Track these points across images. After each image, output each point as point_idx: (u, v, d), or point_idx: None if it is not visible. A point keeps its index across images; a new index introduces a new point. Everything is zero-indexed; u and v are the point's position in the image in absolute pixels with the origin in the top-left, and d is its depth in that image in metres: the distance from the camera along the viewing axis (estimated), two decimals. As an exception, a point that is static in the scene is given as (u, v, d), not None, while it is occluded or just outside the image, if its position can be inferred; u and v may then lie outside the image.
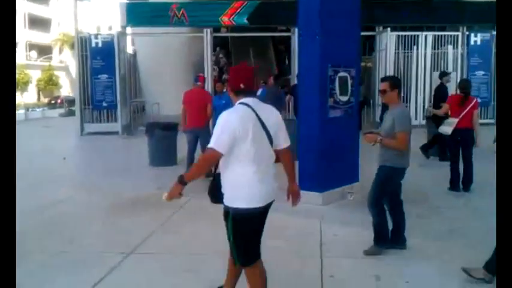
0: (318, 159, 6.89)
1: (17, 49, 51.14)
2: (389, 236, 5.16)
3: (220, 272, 4.55)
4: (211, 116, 9.01)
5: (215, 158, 3.31)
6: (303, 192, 6.76)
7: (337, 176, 7.11)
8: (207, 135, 8.93)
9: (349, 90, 7.19)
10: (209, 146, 3.29)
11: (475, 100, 7.67)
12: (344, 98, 7.11)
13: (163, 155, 10.26)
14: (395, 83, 5.04)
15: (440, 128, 8.08)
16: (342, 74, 7.00)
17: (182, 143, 10.53)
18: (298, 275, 4.57)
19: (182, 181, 3.37)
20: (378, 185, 5.09)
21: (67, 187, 8.61)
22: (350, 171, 7.40)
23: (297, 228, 5.87)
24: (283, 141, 3.55)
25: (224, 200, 3.45)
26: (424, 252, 5.08)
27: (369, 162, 8.11)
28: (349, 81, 7.18)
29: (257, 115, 3.35)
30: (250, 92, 3.48)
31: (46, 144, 14.58)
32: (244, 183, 3.35)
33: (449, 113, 7.93)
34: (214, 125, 9.80)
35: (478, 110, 7.79)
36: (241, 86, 3.46)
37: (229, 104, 10.13)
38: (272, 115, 3.49)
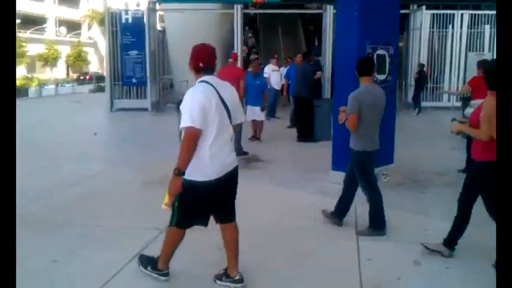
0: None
1: (47, 25, 51.69)
2: (384, 217, 5.03)
3: (249, 253, 4.51)
4: (244, 92, 8.98)
5: (196, 134, 3.41)
6: (337, 173, 6.76)
7: (372, 156, 6.94)
8: None
9: (387, 69, 6.98)
10: (185, 125, 3.39)
11: None
12: (381, 77, 6.90)
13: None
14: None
15: (466, 111, 7.80)
16: (380, 51, 6.80)
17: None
18: (335, 257, 4.48)
19: (179, 172, 3.44)
20: (358, 171, 5.07)
21: (98, 162, 8.66)
22: (385, 153, 7.19)
23: (331, 209, 5.75)
24: (240, 117, 3.84)
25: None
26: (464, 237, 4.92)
27: (404, 144, 7.99)
28: (387, 60, 6.97)
29: (217, 92, 3.54)
30: (209, 70, 3.67)
31: (77, 120, 14.74)
32: (200, 156, 3.49)
33: (471, 95, 7.62)
34: (246, 102, 9.86)
35: None
36: (201, 64, 3.64)
37: (264, 84, 10.14)
38: (230, 92, 3.72)
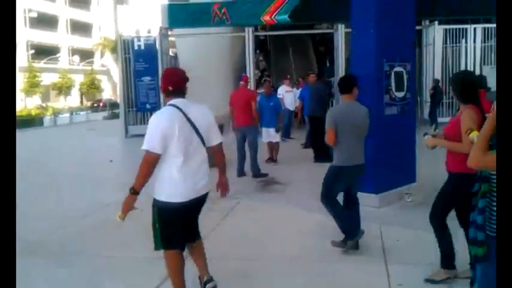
0: (373, 159, 6.56)
1: (60, 54, 52.53)
2: (358, 229, 5.07)
3: (274, 278, 4.37)
4: (257, 114, 8.95)
5: (153, 158, 3.53)
6: (359, 194, 6.59)
7: (394, 176, 6.79)
8: (254, 132, 8.87)
9: (405, 86, 6.86)
10: (143, 148, 3.53)
11: None
12: (400, 94, 6.79)
13: (208, 156, 10.10)
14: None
15: None
16: (397, 69, 6.70)
17: (227, 143, 10.41)
18: (364, 282, 4.30)
19: (134, 191, 3.59)
20: (324, 182, 5.17)
21: (114, 190, 8.51)
22: (407, 171, 7.06)
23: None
24: (216, 138, 3.86)
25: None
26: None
27: (426, 162, 7.79)
28: (405, 77, 6.85)
29: (185, 115, 3.59)
30: (179, 94, 3.71)
31: (92, 147, 14.75)
32: (167, 179, 3.61)
33: None
34: (261, 124, 9.82)
35: None
36: (170, 88, 3.70)
37: (278, 105, 10.11)
38: (203, 114, 3.75)
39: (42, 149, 14.61)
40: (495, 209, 2.63)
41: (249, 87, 11.36)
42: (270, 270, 4.64)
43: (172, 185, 3.62)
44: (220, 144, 3.92)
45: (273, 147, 10.32)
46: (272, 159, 10.32)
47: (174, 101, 3.68)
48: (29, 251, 5.18)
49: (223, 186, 4.05)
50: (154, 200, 3.73)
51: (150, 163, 3.54)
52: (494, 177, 2.61)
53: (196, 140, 3.65)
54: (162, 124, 3.54)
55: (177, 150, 3.55)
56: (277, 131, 9.94)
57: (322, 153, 10.44)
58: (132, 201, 3.61)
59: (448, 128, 4.22)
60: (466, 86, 4.02)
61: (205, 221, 6.20)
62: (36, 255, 5.11)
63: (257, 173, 8.86)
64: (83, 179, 9.41)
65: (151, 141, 3.51)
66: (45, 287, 4.50)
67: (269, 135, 9.99)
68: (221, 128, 10.38)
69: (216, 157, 3.98)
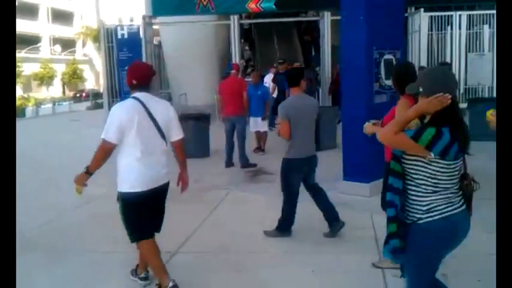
0: (364, 148, 6.54)
1: (41, 44, 51.73)
2: (292, 223, 5.23)
3: (267, 270, 4.33)
4: (247, 104, 8.85)
5: (108, 148, 3.69)
6: (348, 183, 6.57)
7: (383, 165, 6.75)
8: (243, 122, 8.78)
9: (395, 74, 6.81)
10: (101, 137, 3.68)
11: None
12: (390, 82, 6.71)
13: (196, 146, 10.00)
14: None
15: None
16: (387, 56, 6.64)
17: (214, 133, 10.32)
18: (358, 273, 4.26)
19: (88, 172, 3.78)
20: (281, 176, 5.22)
21: (101, 183, 8.38)
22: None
23: (348, 221, 5.54)
24: (176, 134, 3.98)
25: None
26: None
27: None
28: (395, 64, 6.79)
29: (146, 109, 3.72)
30: (143, 87, 3.84)
31: (77, 138, 14.52)
32: (128, 168, 3.76)
33: None
34: (249, 113, 9.73)
35: None
36: (134, 81, 3.83)
37: (266, 94, 10.00)
38: (164, 110, 3.89)
39: (25, 140, 14.31)
40: (410, 194, 2.68)
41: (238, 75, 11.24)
42: (263, 262, 4.59)
43: (132, 176, 3.76)
44: (181, 140, 4.03)
45: (261, 136, 10.24)
46: (260, 149, 10.25)
47: (137, 94, 3.81)
48: (20, 246, 5.04)
49: (183, 182, 4.17)
50: (118, 192, 3.87)
51: (106, 152, 3.71)
52: (407, 160, 2.66)
53: (156, 133, 3.80)
54: (120, 116, 3.69)
55: (136, 142, 3.70)
56: (263, 119, 9.84)
57: None
58: (85, 179, 3.81)
59: (386, 117, 4.34)
60: (402, 77, 4.17)
61: (195, 212, 6.17)
62: (27, 251, 4.97)
63: (245, 164, 8.79)
64: (69, 171, 9.23)
65: (108, 131, 3.67)
66: (39, 282, 4.38)
67: (257, 124, 9.91)
68: (208, 117, 10.33)
69: (176, 153, 4.11)
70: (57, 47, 53.99)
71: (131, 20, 18.79)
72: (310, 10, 19.63)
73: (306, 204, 6.27)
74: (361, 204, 6.16)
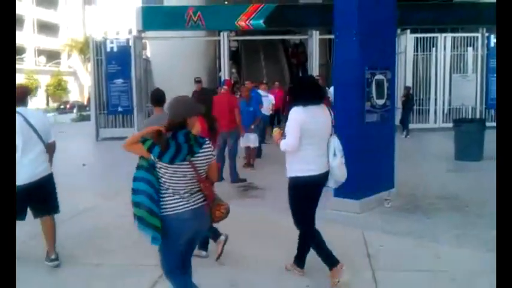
0: (354, 166, 6.60)
1: (26, 55, 51.32)
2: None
3: (261, 285, 4.35)
4: (240, 120, 8.92)
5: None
6: (340, 200, 6.63)
7: (374, 182, 6.86)
8: (235, 137, 8.84)
9: (386, 94, 6.96)
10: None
11: None
12: (381, 102, 6.88)
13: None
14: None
15: None
16: (378, 76, 6.78)
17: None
18: (353, 290, 4.32)
19: None
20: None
21: (90, 195, 8.39)
22: (386, 178, 7.16)
23: (339, 238, 5.59)
24: (48, 137, 4.98)
25: None
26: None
27: (403, 169, 7.92)
28: (386, 84, 6.95)
29: (25, 118, 4.70)
30: (23, 103, 4.82)
31: (63, 150, 14.35)
32: (17, 166, 4.46)
33: None
34: (243, 128, 9.70)
35: None
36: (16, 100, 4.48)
37: (257, 111, 10.04)
38: (38, 119, 4.88)
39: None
40: (163, 193, 3.32)
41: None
42: (256, 279, 4.61)
43: (20, 171, 4.53)
44: (53, 142, 5.07)
45: (251, 152, 10.30)
46: (249, 165, 10.30)
47: (18, 109, 4.65)
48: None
49: None
50: None
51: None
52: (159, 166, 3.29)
53: (35, 137, 4.77)
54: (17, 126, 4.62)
55: (19, 144, 4.62)
56: (248, 131, 9.83)
57: None
58: None
59: None
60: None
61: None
62: (20, 264, 4.93)
63: (236, 179, 8.83)
64: (57, 183, 9.17)
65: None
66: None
67: (248, 139, 9.97)
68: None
69: (48, 151, 5.02)
70: (42, 58, 53.61)
71: (117, 34, 18.84)
72: (299, 28, 19.89)
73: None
74: (352, 220, 6.24)
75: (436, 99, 17.02)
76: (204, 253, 5.06)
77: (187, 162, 3.24)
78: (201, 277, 4.57)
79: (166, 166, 3.22)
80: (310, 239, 4.49)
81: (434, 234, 5.68)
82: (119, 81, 16.33)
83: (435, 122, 16.96)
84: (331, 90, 13.54)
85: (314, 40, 16.17)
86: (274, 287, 4.39)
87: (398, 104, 16.76)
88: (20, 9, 50.02)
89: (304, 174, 4.23)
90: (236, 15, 16.50)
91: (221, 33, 16.38)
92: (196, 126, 4.26)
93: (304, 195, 4.35)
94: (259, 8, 16.37)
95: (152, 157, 3.23)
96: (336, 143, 4.36)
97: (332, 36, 6.98)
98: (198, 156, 3.30)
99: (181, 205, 3.29)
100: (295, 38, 22.33)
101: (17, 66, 47.64)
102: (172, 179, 3.26)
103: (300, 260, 4.63)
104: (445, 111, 17.03)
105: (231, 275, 4.65)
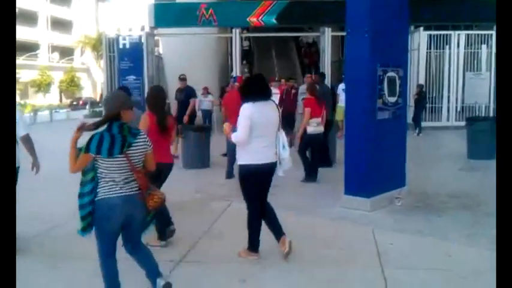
0: (365, 164, 6.61)
1: (40, 51, 51.75)
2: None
3: (271, 281, 4.35)
4: None
5: None
6: (350, 198, 6.62)
7: (385, 180, 6.83)
8: None
9: (397, 91, 6.92)
10: None
11: None
12: (392, 99, 6.84)
13: (197, 157, 10.07)
14: None
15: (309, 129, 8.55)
16: (390, 74, 6.74)
17: (214, 145, 10.39)
18: (362, 287, 4.30)
19: None
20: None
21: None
22: (397, 176, 7.12)
23: (349, 236, 5.60)
24: (20, 132, 5.36)
25: None
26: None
27: (415, 167, 7.88)
28: (398, 82, 6.91)
29: None
30: None
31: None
32: None
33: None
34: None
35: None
36: None
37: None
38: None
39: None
40: (99, 181, 3.63)
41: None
42: (266, 273, 4.61)
43: None
44: (26, 135, 5.51)
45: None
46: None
47: None
48: (19, 253, 5.05)
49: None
50: None
51: None
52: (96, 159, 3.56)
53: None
54: None
55: None
56: (292, 138, 9.79)
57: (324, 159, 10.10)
58: None
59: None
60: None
61: (198, 222, 6.21)
62: (26, 257, 4.98)
63: (228, 175, 8.88)
64: (69, 179, 9.23)
65: None
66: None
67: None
68: (209, 129, 10.38)
69: (25, 146, 5.46)
70: (56, 55, 54.04)
71: (130, 30, 18.95)
72: (311, 25, 19.83)
73: (306, 217, 6.37)
74: (362, 218, 6.21)
75: (449, 97, 16.89)
76: (163, 243, 5.31)
77: (123, 155, 3.51)
78: (210, 273, 4.61)
79: (103, 158, 3.51)
80: (255, 219, 4.87)
81: (445, 233, 5.64)
82: (131, 77, 16.40)
83: (448, 120, 16.83)
84: (340, 87, 13.46)
85: (326, 37, 16.10)
86: (282, 282, 4.38)
87: (411, 101, 16.69)
88: (33, 6, 50.54)
89: (252, 162, 4.68)
90: (248, 11, 16.48)
91: (233, 30, 16.38)
92: (144, 122, 5.20)
93: (252, 181, 4.78)
94: (271, 5, 16.33)
95: (91, 155, 3.52)
96: (283, 138, 4.84)
97: (344, 34, 6.92)
98: (133, 148, 3.58)
99: (114, 191, 3.58)
100: (307, 35, 22.23)
101: (31, 62, 48.18)
102: (109, 169, 3.55)
103: (252, 245, 4.91)
104: (458, 110, 16.91)
105: (239, 271, 4.65)
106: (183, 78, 12.73)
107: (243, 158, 4.77)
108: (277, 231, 4.90)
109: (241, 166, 4.84)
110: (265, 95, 4.78)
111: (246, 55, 24.03)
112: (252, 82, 5.08)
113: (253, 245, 4.90)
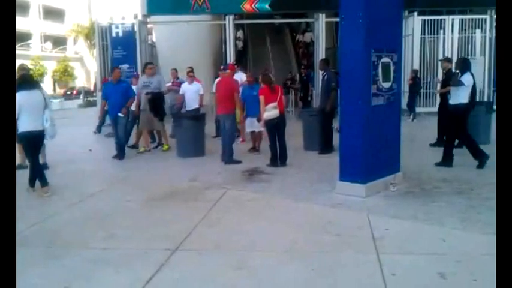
0: (360, 150, 6.62)
1: (32, 41, 51.31)
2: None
3: (266, 268, 4.37)
4: (240, 104, 8.98)
5: None
6: (345, 184, 6.63)
7: (380, 166, 6.84)
8: (232, 122, 8.90)
9: (392, 77, 6.90)
10: None
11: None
12: (387, 85, 6.83)
13: (191, 145, 10.05)
14: None
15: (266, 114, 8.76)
16: (384, 59, 6.72)
17: (209, 133, 10.38)
18: (357, 273, 4.32)
19: None
20: None
21: (97, 180, 8.44)
22: (392, 162, 7.13)
23: (345, 222, 5.62)
24: None
25: None
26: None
27: (405, 151, 7.88)
28: (392, 67, 6.89)
29: None
30: None
31: (70, 136, 14.43)
32: None
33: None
34: (248, 114, 9.85)
35: None
36: None
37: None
38: None
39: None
40: None
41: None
42: (262, 260, 4.62)
43: None
44: None
45: (256, 136, 10.30)
46: (255, 149, 10.30)
47: None
48: (18, 242, 5.04)
49: None
50: None
51: None
52: None
53: None
54: None
55: None
56: (258, 120, 9.83)
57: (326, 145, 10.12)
58: None
59: None
60: None
61: (193, 210, 6.22)
62: (24, 246, 4.97)
63: (230, 160, 8.92)
64: (64, 168, 9.23)
65: None
66: (37, 278, 4.38)
67: (252, 124, 9.96)
68: (203, 117, 10.37)
69: None
70: (48, 44, 53.58)
71: (123, 19, 18.84)
72: (305, 11, 19.71)
73: (303, 204, 6.39)
74: (357, 204, 6.23)
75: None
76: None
77: None
78: (207, 260, 4.63)
79: None
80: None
81: (439, 218, 5.67)
82: (125, 66, 16.28)
83: (442, 105, 16.83)
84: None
85: (320, 23, 16.04)
86: (280, 270, 4.39)
87: (405, 87, 16.69)
88: (25, -5, 49.97)
89: (24, 130, 6.83)
90: (241, -2, 16.38)
91: (226, 17, 16.29)
92: None
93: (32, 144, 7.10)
94: (265, -9, 16.23)
95: None
96: (48, 114, 7.10)
97: (338, 20, 6.89)
98: None
99: None
100: (300, 20, 22.06)
101: (23, 52, 47.73)
102: None
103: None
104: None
105: (237, 258, 4.67)
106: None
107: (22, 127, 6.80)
108: None
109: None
110: (29, 87, 6.99)
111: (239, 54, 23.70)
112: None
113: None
